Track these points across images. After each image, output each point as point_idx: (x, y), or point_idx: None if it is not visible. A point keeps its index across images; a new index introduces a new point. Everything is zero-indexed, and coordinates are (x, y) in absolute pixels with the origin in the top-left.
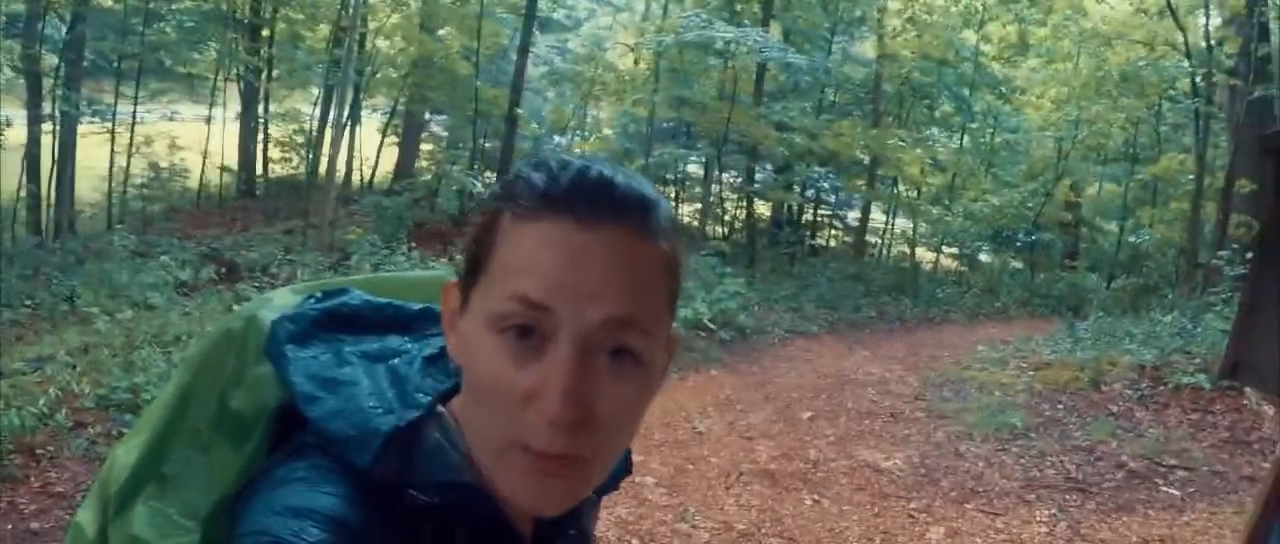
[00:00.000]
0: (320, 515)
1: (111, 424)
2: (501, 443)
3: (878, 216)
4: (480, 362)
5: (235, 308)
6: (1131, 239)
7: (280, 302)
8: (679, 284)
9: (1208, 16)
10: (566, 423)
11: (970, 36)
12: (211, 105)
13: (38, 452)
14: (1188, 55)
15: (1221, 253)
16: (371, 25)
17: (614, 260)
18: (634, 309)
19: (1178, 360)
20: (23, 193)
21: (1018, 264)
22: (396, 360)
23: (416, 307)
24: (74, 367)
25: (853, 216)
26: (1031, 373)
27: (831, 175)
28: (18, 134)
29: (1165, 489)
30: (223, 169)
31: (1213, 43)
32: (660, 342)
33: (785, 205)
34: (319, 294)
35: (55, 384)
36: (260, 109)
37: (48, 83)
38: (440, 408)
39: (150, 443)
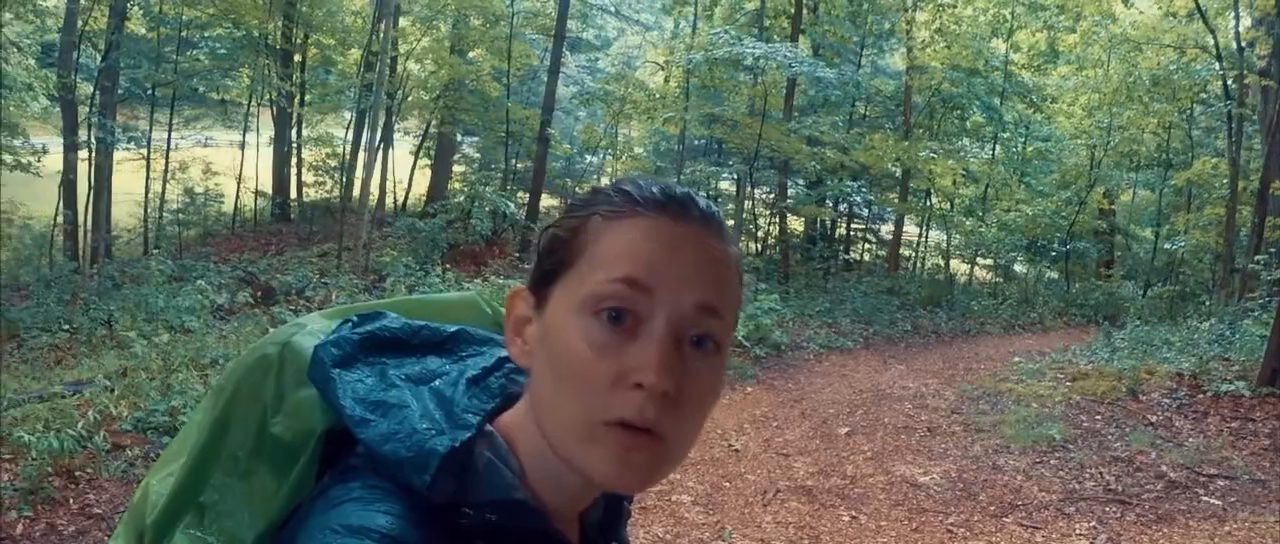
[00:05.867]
0: (377, 534)
1: (149, 447)
2: (591, 423)
3: (911, 229)
4: (570, 345)
5: (270, 330)
6: (1167, 245)
7: (314, 326)
8: (743, 289)
9: (1238, 18)
10: (660, 394)
11: (999, 46)
12: (245, 131)
13: (76, 474)
14: (1219, 57)
15: (1258, 257)
16: (402, 49)
17: (704, 253)
18: (719, 300)
19: (1216, 368)
20: (59, 219)
21: (1053, 274)
22: (439, 382)
23: (450, 328)
24: (112, 390)
25: (886, 230)
26: (1069, 384)
27: (864, 189)
28: (54, 161)
29: (1206, 499)
30: (257, 193)
31: (1244, 44)
32: (730, 336)
33: (818, 220)
34: (355, 318)
35: (93, 407)
36: (293, 134)
37: (83, 110)
38: (489, 427)
39: (187, 471)
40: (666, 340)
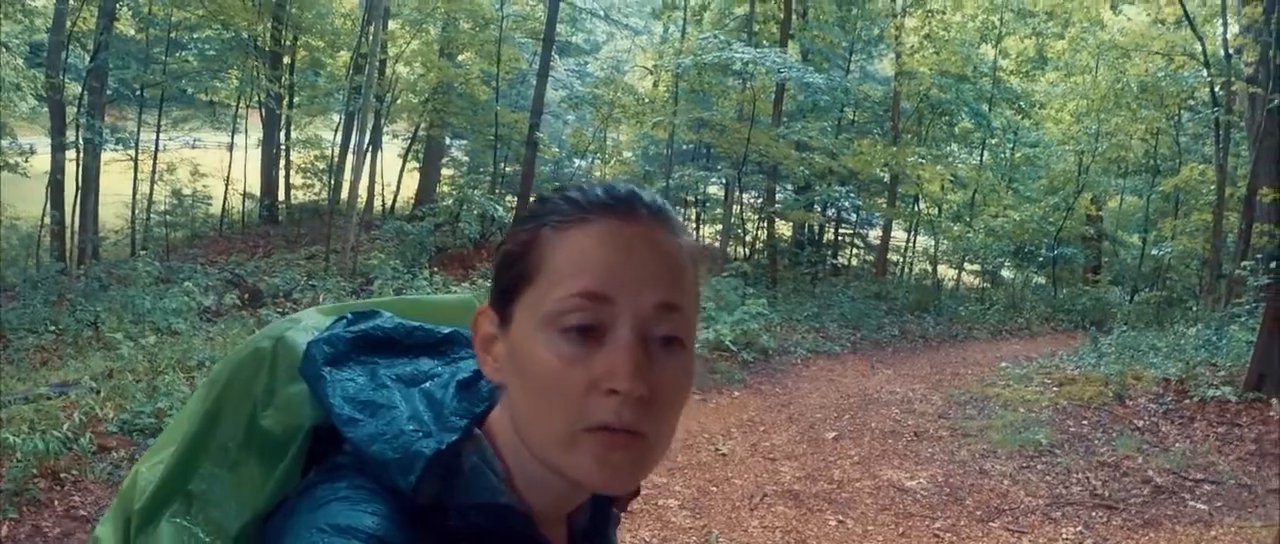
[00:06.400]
0: (364, 534)
1: (135, 449)
2: (571, 432)
3: (899, 235)
4: (539, 360)
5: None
6: (1154, 251)
7: (309, 322)
8: (700, 276)
9: (1225, 25)
10: (635, 398)
11: (988, 52)
12: (233, 132)
13: (62, 476)
14: (1206, 64)
15: (1245, 263)
16: (391, 52)
17: (657, 250)
18: (679, 296)
19: (1203, 373)
20: (47, 219)
21: (1040, 279)
22: (429, 384)
23: (444, 330)
24: (98, 391)
25: (874, 235)
26: (1056, 389)
27: (852, 194)
28: (42, 161)
29: (1192, 503)
30: (245, 195)
31: (1231, 51)
32: (695, 327)
33: (806, 225)
34: (350, 315)
35: (79, 409)
36: (282, 136)
37: (71, 111)
38: (476, 430)
39: (176, 460)
40: (633, 344)
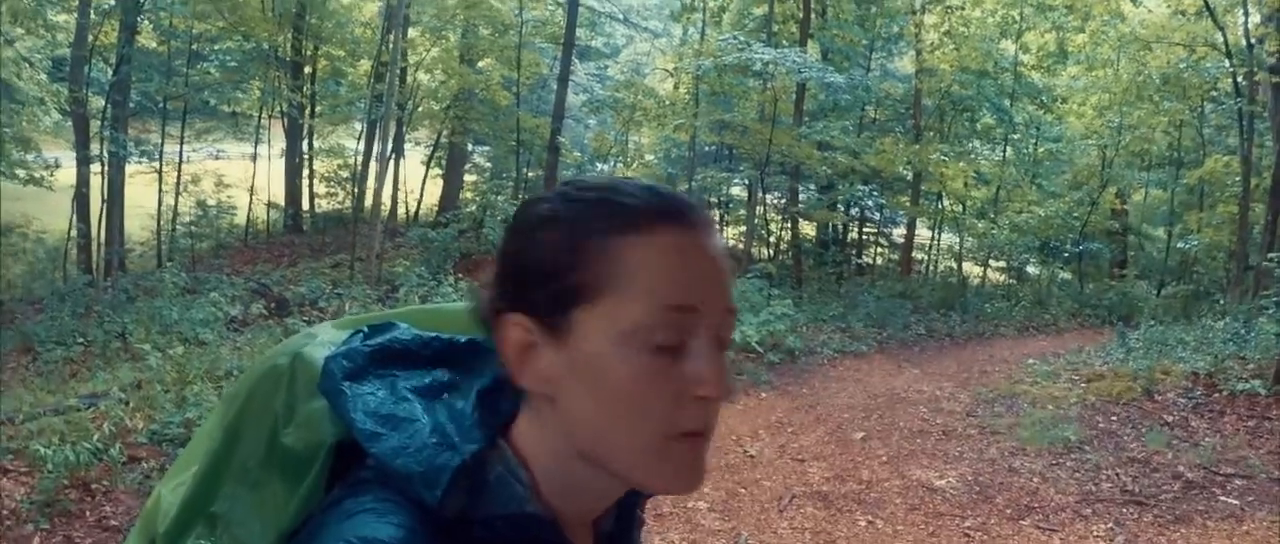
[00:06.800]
0: None
1: (165, 459)
2: (662, 441)
3: (923, 232)
4: (622, 375)
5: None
6: (1180, 245)
7: (325, 336)
8: None
9: (1247, 15)
10: (719, 402)
11: (1009, 47)
12: (256, 142)
13: (92, 486)
14: (1228, 55)
15: (1271, 255)
16: (412, 60)
17: (716, 255)
18: (734, 297)
19: (1232, 367)
20: (73, 233)
21: (1066, 275)
22: (450, 395)
23: (463, 339)
24: (127, 402)
25: (898, 233)
26: (1084, 385)
27: (875, 193)
28: (67, 175)
29: (1223, 498)
30: (269, 205)
31: (1253, 41)
32: None
33: (830, 225)
34: (366, 329)
35: (109, 420)
36: (304, 145)
37: (95, 125)
38: (500, 440)
39: (198, 481)
40: (716, 352)
